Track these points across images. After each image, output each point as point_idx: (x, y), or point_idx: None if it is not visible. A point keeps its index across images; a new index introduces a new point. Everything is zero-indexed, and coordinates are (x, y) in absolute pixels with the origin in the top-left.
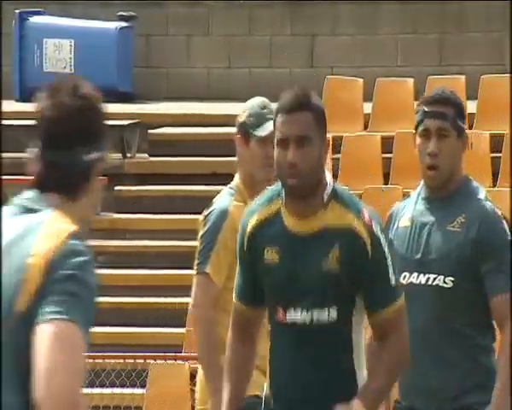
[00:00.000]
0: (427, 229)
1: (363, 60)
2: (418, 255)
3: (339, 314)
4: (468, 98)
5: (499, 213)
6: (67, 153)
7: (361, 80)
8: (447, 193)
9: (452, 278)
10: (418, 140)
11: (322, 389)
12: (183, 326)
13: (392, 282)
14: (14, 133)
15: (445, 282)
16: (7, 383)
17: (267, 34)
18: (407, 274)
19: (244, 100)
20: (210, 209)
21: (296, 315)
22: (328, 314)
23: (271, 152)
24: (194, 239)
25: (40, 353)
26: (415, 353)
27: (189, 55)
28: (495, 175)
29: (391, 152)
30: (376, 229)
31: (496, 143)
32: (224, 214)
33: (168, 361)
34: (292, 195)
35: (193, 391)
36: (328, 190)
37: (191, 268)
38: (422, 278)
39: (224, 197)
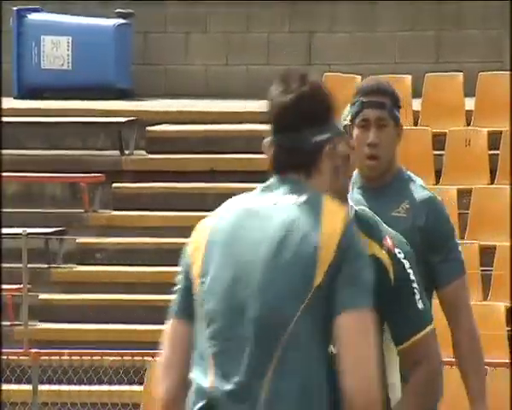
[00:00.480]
0: None
1: (360, 57)
2: None
3: None
4: (466, 95)
5: (440, 198)
6: (297, 136)
7: (359, 77)
8: (384, 183)
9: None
10: (356, 131)
11: None
12: None
13: (419, 306)
14: (12, 130)
15: None
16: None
17: (265, 31)
18: None
19: (242, 97)
20: None
21: None
22: None
23: None
24: None
25: (347, 344)
26: None
27: (187, 53)
28: (492, 172)
29: None
30: (400, 256)
31: (493, 140)
32: None
33: None
34: None
35: None
36: (351, 215)
37: None
38: None
39: None
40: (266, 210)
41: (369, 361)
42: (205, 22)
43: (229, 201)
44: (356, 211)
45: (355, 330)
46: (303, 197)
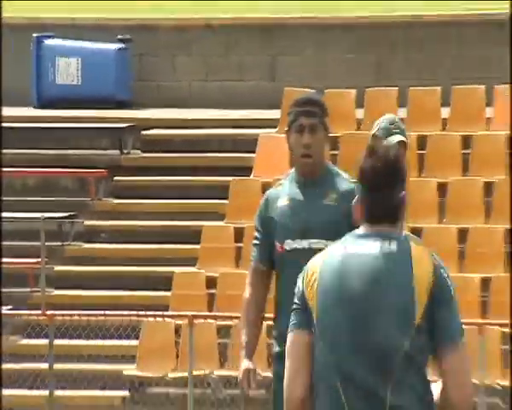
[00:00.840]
0: (305, 204)
1: (314, 76)
2: (300, 225)
3: None
4: (400, 106)
5: None
6: (388, 193)
7: (313, 91)
8: (316, 177)
9: (332, 242)
10: (293, 135)
11: None
12: (170, 290)
13: None
14: (33, 134)
15: (325, 245)
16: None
17: (238, 54)
18: (290, 241)
19: (218, 107)
20: None
21: None
22: None
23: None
24: (178, 219)
25: (453, 370)
26: None
27: (174, 72)
28: (421, 170)
29: (336, 150)
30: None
31: (421, 142)
32: None
33: (157, 319)
34: None
35: (177, 343)
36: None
37: (178, 243)
38: (305, 243)
39: None
40: (367, 256)
41: (468, 377)
42: (190, 47)
43: (334, 246)
44: None
45: (457, 360)
46: (395, 244)
